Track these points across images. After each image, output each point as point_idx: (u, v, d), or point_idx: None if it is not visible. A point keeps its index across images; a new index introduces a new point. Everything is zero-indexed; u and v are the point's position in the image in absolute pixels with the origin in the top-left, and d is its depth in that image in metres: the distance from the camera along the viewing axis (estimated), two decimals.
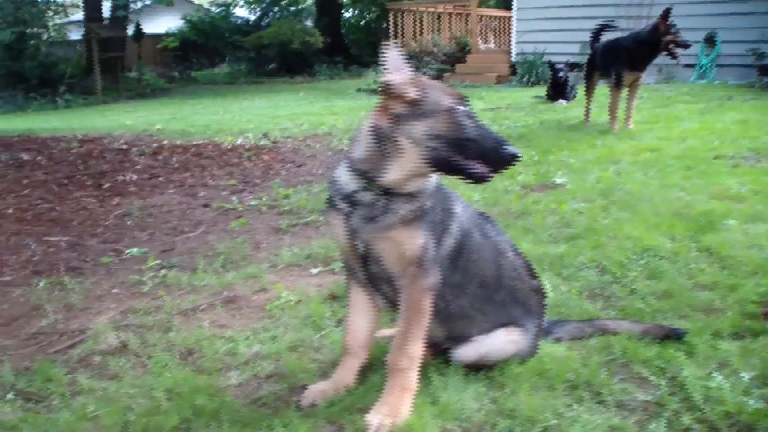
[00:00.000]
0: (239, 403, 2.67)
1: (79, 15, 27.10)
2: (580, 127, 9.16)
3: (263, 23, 32.07)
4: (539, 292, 2.92)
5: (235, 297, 3.86)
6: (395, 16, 21.22)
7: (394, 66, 2.43)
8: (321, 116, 12.56)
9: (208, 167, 8.05)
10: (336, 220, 2.54)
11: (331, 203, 2.57)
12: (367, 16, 34.91)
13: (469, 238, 2.68)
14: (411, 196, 2.45)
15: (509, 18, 19.55)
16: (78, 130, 12.10)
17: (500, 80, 18.05)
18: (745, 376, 2.61)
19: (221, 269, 4.37)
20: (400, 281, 2.50)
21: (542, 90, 13.53)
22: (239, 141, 9.90)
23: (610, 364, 2.79)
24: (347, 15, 35.56)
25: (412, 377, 2.50)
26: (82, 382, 2.93)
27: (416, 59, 18.77)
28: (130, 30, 27.17)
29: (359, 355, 2.75)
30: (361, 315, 2.74)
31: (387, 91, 2.42)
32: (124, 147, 9.77)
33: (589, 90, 9.34)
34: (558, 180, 6.05)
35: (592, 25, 9.47)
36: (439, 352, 2.81)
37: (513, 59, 18.24)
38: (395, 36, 20.95)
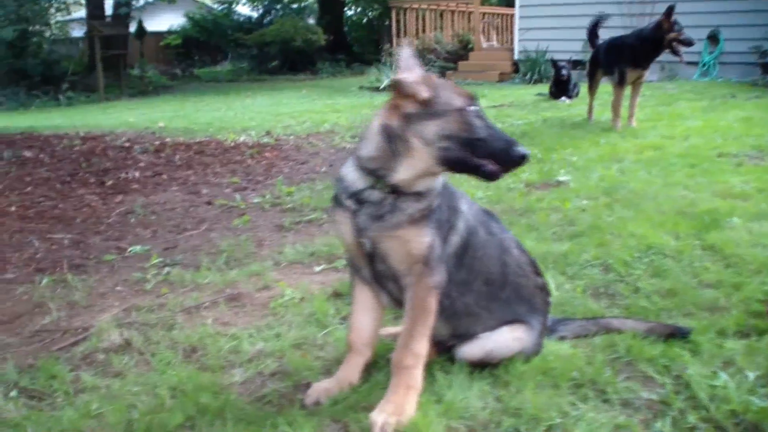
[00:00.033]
0: (243, 401, 2.67)
1: (81, 12, 27.11)
2: (583, 125, 9.15)
3: (266, 21, 32.13)
4: (544, 290, 2.91)
5: (238, 294, 3.85)
6: (398, 14, 21.18)
7: (407, 65, 2.42)
8: (323, 114, 12.56)
9: (211, 165, 8.04)
10: (342, 217, 2.53)
11: (337, 201, 2.56)
12: (370, 13, 34.91)
13: (475, 235, 2.68)
14: (419, 195, 2.45)
15: (512, 15, 19.53)
16: (80, 128, 12.11)
17: (503, 78, 18.02)
18: (751, 374, 2.60)
19: (224, 267, 4.37)
20: (406, 279, 2.50)
21: (545, 88, 13.53)
22: (242, 138, 9.89)
23: (614, 363, 2.78)
24: (349, 12, 35.58)
25: (417, 375, 2.50)
26: (85, 380, 2.92)
27: (419, 57, 18.72)
28: (133, 27, 27.23)
29: (363, 353, 2.74)
30: (366, 313, 2.74)
31: (398, 90, 2.41)
32: (127, 144, 9.78)
33: (593, 88, 9.32)
34: (561, 178, 6.03)
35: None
36: (443, 350, 2.80)
37: (516, 57, 18.20)
38: (398, 34, 20.93)
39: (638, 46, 8.22)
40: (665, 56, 8.48)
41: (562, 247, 4.20)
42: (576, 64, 13.21)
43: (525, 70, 17.26)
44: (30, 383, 2.92)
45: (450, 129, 2.33)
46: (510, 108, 11.62)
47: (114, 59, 23.00)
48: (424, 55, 19.09)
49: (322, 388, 2.65)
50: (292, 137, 9.87)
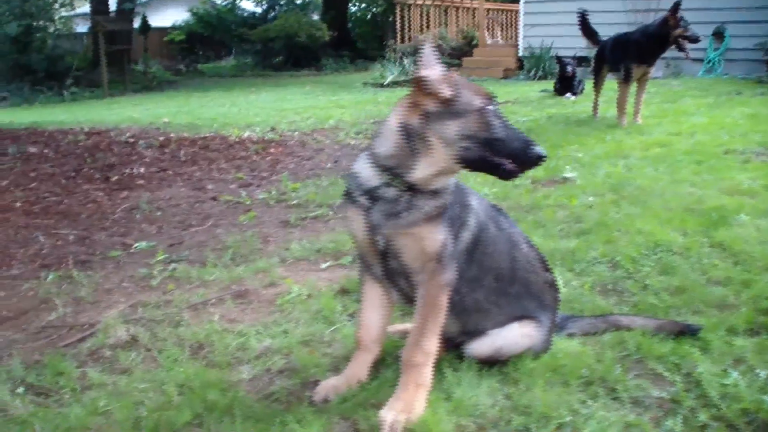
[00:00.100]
0: (251, 399, 2.66)
1: (85, 8, 27.12)
2: (588, 122, 9.13)
3: (270, 16, 32.08)
4: (553, 286, 2.90)
5: (245, 291, 3.84)
6: (402, 10, 21.14)
7: (428, 61, 2.38)
8: (328, 110, 12.55)
9: (216, 160, 8.03)
10: (354, 214, 2.51)
11: (349, 198, 2.54)
12: (374, 9, 34.88)
13: (485, 231, 2.67)
14: (436, 192, 2.43)
15: (516, 12, 19.52)
16: (85, 123, 12.10)
17: (507, 74, 18.00)
18: (762, 373, 2.58)
19: (231, 263, 4.36)
20: (418, 277, 2.48)
21: (549, 84, 13.51)
22: (246, 134, 9.89)
23: (624, 360, 2.77)
24: (353, 8, 35.54)
25: (427, 373, 2.49)
26: (92, 376, 2.91)
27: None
28: (137, 23, 27.28)
29: (372, 350, 2.73)
30: (375, 309, 2.72)
31: (420, 87, 2.37)
32: (132, 140, 9.76)
33: (598, 84, 9.30)
34: (567, 174, 6.01)
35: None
36: (452, 347, 2.78)
37: (520, 53, 18.19)
38: (402, 30, 20.92)
39: (644, 43, 8.20)
40: (670, 53, 8.47)
41: (569, 244, 4.18)
42: (581, 60, 13.17)
43: (529, 66, 17.24)
44: (37, 380, 2.91)
45: (470, 129, 2.31)
46: (515, 105, 11.60)
47: (118, 55, 23.02)
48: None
49: (330, 386, 2.64)
50: (296, 133, 9.86)
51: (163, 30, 32.91)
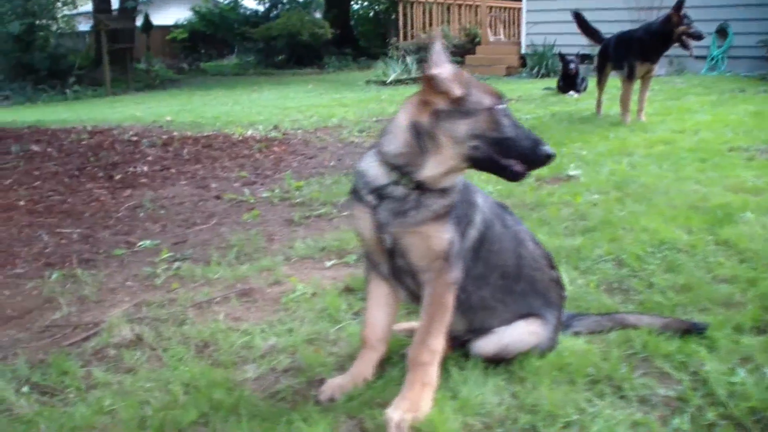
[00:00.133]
0: (257, 398, 2.66)
1: (88, 6, 27.08)
2: (591, 119, 9.11)
3: (272, 14, 32.05)
4: (558, 284, 2.90)
5: (249, 290, 3.83)
6: (404, 8, 21.12)
7: (438, 60, 2.37)
8: (331, 108, 12.53)
9: (219, 159, 8.02)
10: (361, 213, 2.50)
11: (356, 196, 2.53)
12: (376, 7, 34.84)
13: (491, 228, 2.66)
14: (444, 191, 2.43)
15: (519, 9, 19.48)
16: (88, 122, 12.09)
17: (510, 72, 17.97)
18: None
19: (235, 262, 4.35)
20: (425, 275, 2.48)
21: (552, 82, 13.48)
22: (249, 132, 9.87)
23: (630, 359, 2.76)
24: (356, 6, 35.53)
25: (433, 372, 2.48)
26: (97, 376, 2.91)
27: (425, 51, 18.71)
28: (139, 21, 27.28)
29: (378, 349, 2.72)
30: (380, 308, 2.72)
31: (430, 86, 2.35)
32: (135, 138, 9.75)
33: (601, 82, 9.27)
34: (571, 172, 6.00)
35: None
36: (458, 346, 2.78)
37: (523, 51, 18.17)
38: (404, 28, 20.90)
39: (647, 40, 8.18)
40: (673, 50, 8.44)
41: (574, 242, 4.17)
42: (584, 58, 13.14)
43: (532, 64, 17.20)
44: (42, 379, 2.91)
45: (480, 128, 2.30)
46: (518, 102, 11.57)
47: (120, 53, 23.03)
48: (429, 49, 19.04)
49: (336, 384, 2.64)
50: (299, 131, 9.85)
51: (165, 28, 32.91)
